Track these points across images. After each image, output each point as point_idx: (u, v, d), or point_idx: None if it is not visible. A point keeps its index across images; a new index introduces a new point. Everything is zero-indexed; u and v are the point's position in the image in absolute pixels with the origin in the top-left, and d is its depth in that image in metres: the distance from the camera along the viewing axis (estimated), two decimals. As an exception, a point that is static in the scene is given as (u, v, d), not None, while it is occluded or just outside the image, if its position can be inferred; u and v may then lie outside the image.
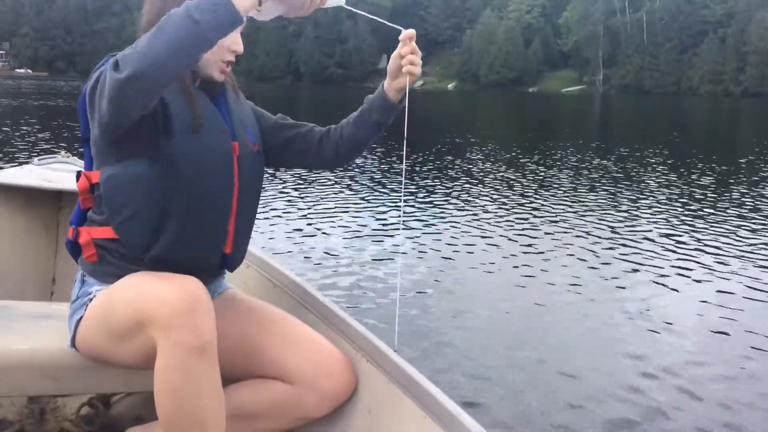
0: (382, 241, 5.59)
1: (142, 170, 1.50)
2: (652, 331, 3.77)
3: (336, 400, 1.63)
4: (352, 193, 7.78)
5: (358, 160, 10.10)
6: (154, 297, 1.37)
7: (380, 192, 7.84)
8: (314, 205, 6.90)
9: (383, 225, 6.16)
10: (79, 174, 1.63)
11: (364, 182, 8.49)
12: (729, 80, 75.09)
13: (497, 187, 8.54)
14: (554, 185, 8.77)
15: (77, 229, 1.61)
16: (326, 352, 1.65)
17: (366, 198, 7.44)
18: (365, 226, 6.03)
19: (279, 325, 1.71)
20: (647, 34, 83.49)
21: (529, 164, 10.95)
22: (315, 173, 8.98)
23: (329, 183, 8.35)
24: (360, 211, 6.72)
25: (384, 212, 6.70)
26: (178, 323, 1.33)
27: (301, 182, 8.21)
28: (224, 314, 1.73)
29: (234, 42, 1.58)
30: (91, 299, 1.57)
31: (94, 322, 1.54)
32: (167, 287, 1.39)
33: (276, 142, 1.79)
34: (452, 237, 5.76)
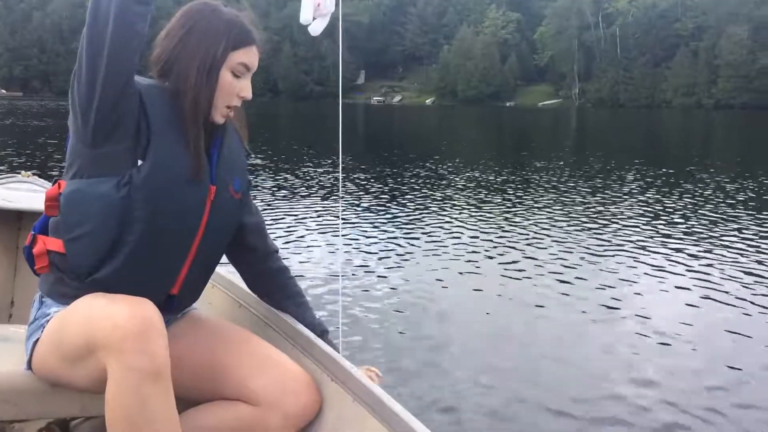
0: (328, 252, 5.56)
1: (108, 191, 1.45)
2: (618, 340, 3.78)
3: (301, 420, 1.59)
4: (295, 205, 7.79)
5: (302, 177, 10.12)
6: (105, 320, 1.34)
7: (320, 205, 7.86)
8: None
9: (326, 241, 6.08)
10: (56, 181, 1.58)
11: (307, 196, 8.49)
12: (701, 93, 76.42)
13: (468, 198, 8.57)
14: (526, 198, 8.82)
15: (35, 237, 1.57)
16: (291, 372, 1.62)
17: (307, 211, 7.43)
18: (308, 244, 5.94)
19: (243, 345, 1.68)
20: (621, 48, 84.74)
21: (502, 176, 11.01)
22: (269, 192, 8.97)
23: (273, 191, 8.38)
24: (303, 224, 6.71)
25: (326, 227, 6.67)
26: (130, 347, 1.30)
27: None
28: (188, 335, 1.70)
29: (243, 88, 1.57)
30: (48, 321, 1.53)
31: (49, 344, 1.50)
32: (118, 310, 1.35)
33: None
34: (410, 248, 5.76)
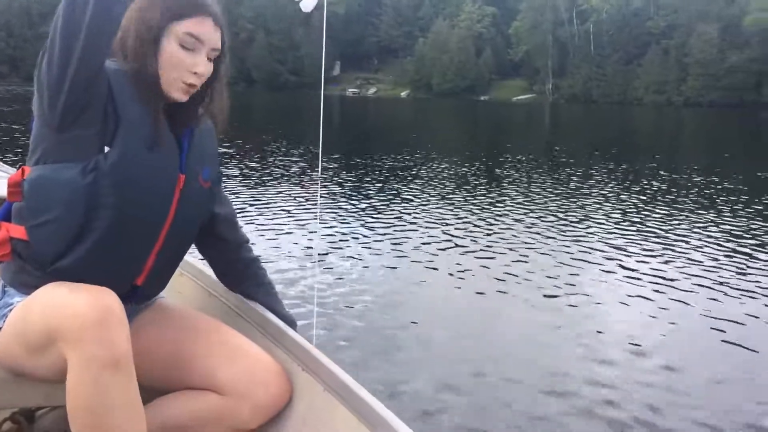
0: (300, 245, 5.56)
1: (74, 177, 1.41)
2: (581, 337, 3.84)
3: (271, 410, 1.59)
4: (269, 195, 7.76)
5: (278, 169, 10.08)
6: (64, 309, 1.32)
7: (294, 196, 7.84)
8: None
9: (302, 233, 6.07)
10: (20, 167, 1.55)
11: (283, 194, 8.47)
12: (672, 90, 77.37)
13: (439, 189, 8.60)
14: (495, 190, 8.88)
15: None
16: (261, 362, 1.61)
17: (284, 206, 7.39)
18: (282, 233, 5.93)
19: (213, 334, 1.66)
20: (594, 45, 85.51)
21: (474, 169, 11.07)
22: (243, 182, 8.91)
23: (246, 181, 8.32)
24: (278, 214, 6.68)
25: (300, 217, 6.66)
26: (89, 336, 1.28)
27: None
28: (156, 324, 1.68)
29: (196, 63, 1.49)
30: (10, 310, 1.50)
31: (11, 334, 1.47)
32: (78, 299, 1.32)
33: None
34: (382, 239, 5.77)
